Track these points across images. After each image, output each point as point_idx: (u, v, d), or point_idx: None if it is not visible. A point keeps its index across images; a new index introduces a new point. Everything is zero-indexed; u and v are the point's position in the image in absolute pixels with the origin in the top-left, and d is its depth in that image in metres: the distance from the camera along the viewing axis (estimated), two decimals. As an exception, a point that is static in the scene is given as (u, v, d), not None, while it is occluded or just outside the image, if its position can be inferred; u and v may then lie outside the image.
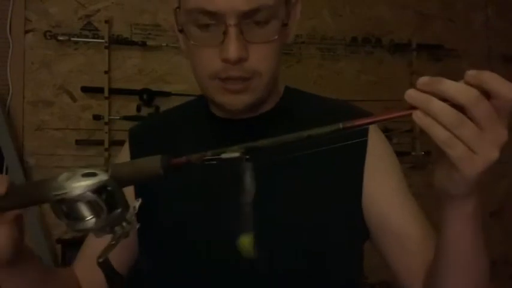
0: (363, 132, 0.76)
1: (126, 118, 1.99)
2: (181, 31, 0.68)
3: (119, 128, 1.99)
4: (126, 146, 0.84)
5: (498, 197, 2.44)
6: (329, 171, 0.74)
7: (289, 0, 0.70)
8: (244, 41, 0.64)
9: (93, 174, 0.48)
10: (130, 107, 2.04)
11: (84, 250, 0.81)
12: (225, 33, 0.63)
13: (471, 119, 0.43)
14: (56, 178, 0.50)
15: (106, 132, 1.98)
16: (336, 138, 0.70)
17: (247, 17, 0.63)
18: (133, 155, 0.81)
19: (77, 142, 1.98)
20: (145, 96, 2.03)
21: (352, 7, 2.32)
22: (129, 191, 0.79)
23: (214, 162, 0.51)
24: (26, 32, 1.98)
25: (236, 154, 0.50)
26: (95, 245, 0.80)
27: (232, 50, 0.63)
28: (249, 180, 0.51)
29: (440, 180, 0.50)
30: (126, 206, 0.50)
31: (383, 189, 0.74)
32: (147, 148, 0.80)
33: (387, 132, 2.24)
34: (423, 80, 0.45)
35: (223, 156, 0.50)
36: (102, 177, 0.48)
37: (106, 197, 0.48)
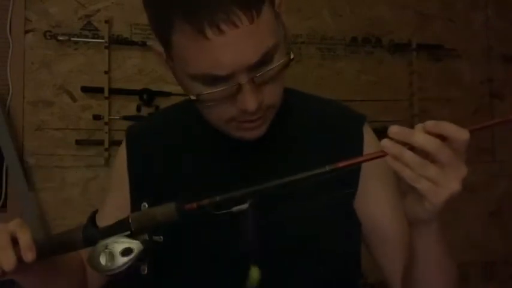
0: (359, 137, 0.78)
1: (126, 118, 1.99)
2: (195, 101, 0.64)
3: (119, 128, 1.99)
4: (123, 145, 0.83)
5: (497, 197, 2.44)
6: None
7: (281, 24, 0.68)
8: (258, 89, 0.63)
9: (130, 251, 0.56)
10: (130, 107, 2.04)
11: None
12: (238, 89, 0.62)
13: (436, 161, 0.54)
14: (96, 254, 0.57)
15: (106, 132, 1.98)
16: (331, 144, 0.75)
17: (256, 66, 0.62)
18: (130, 155, 0.81)
19: (77, 142, 1.98)
20: (145, 96, 2.03)
21: (352, 7, 2.32)
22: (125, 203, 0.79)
23: (225, 211, 0.59)
24: (26, 32, 1.99)
25: (245, 206, 0.58)
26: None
27: (250, 103, 0.62)
28: (252, 225, 0.59)
29: (410, 208, 0.59)
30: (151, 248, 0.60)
31: (376, 192, 0.76)
32: (144, 149, 0.80)
33: (387, 132, 2.24)
34: (394, 130, 0.54)
35: (234, 210, 0.58)
36: (137, 248, 0.57)
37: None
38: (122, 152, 0.82)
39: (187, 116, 0.81)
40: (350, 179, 0.76)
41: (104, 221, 0.80)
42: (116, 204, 0.80)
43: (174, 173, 0.77)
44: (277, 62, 0.64)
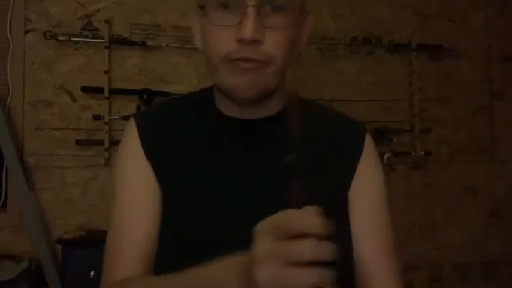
0: (360, 143, 0.79)
1: (126, 118, 1.99)
2: (202, 7, 0.69)
3: (119, 128, 1.99)
4: (133, 133, 0.77)
5: (497, 197, 2.44)
6: (329, 176, 0.76)
7: None
8: (261, 25, 0.65)
9: None
10: (130, 107, 2.04)
11: (130, 246, 0.72)
12: (243, 13, 0.65)
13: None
14: None
15: (106, 132, 1.98)
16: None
17: (266, 1, 0.65)
18: (147, 145, 0.76)
19: (77, 142, 1.98)
20: (145, 96, 2.03)
21: (352, 7, 2.32)
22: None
23: None
24: (26, 32, 1.99)
25: None
26: (137, 239, 0.72)
27: (249, 29, 0.64)
28: None
29: None
30: None
31: (363, 209, 0.77)
32: (155, 140, 0.77)
33: (387, 132, 2.24)
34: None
35: None
36: None
37: None
38: (133, 141, 0.77)
39: (191, 112, 0.80)
40: (345, 182, 0.77)
41: (142, 215, 0.73)
42: (149, 196, 0.74)
43: (192, 163, 0.75)
44: (288, 16, 0.67)
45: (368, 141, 0.81)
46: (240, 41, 0.65)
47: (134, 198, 0.75)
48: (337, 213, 0.75)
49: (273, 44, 0.67)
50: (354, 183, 0.77)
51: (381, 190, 0.80)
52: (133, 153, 0.76)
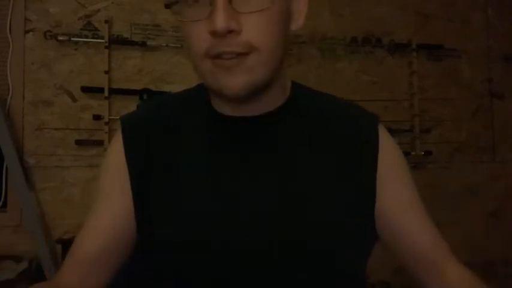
0: (373, 142, 0.74)
1: (126, 118, 1.98)
2: (167, 6, 0.62)
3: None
4: (119, 138, 0.76)
5: (497, 197, 2.44)
6: (340, 179, 0.71)
7: None
8: (234, 11, 0.58)
9: None
10: (130, 107, 2.04)
11: (75, 252, 0.74)
12: (211, 3, 0.58)
13: None
14: None
15: (106, 132, 1.98)
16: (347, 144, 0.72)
17: None
18: (128, 151, 0.74)
19: (77, 142, 1.98)
20: (145, 96, 2.03)
21: (352, 7, 2.32)
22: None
23: None
24: (26, 32, 1.99)
25: None
26: (87, 245, 0.73)
27: (219, 20, 0.57)
28: None
29: None
30: None
31: (398, 200, 0.73)
32: (144, 144, 0.74)
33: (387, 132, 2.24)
34: None
35: None
36: None
37: None
38: (117, 149, 0.75)
39: (184, 112, 0.77)
40: (367, 190, 0.72)
41: (102, 231, 0.74)
42: (117, 211, 0.74)
43: (176, 172, 0.72)
44: None
45: (382, 133, 0.75)
46: (213, 34, 0.58)
47: (102, 212, 0.77)
48: (358, 213, 0.71)
49: (252, 30, 0.59)
50: (379, 186, 0.72)
51: (411, 180, 0.76)
52: (115, 164, 0.75)
